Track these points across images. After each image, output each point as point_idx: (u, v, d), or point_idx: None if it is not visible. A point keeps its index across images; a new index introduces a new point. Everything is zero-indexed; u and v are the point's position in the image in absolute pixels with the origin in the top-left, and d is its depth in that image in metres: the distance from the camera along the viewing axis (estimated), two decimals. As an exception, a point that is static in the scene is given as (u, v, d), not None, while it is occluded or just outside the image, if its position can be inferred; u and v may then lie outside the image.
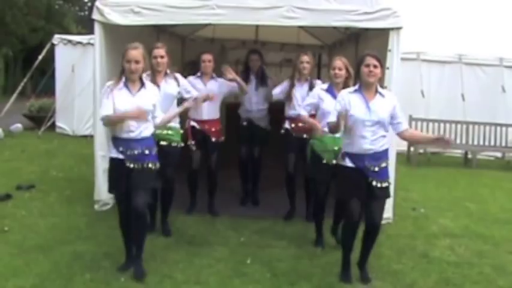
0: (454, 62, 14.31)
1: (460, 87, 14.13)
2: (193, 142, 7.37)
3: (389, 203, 7.33)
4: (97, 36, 7.27)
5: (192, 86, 7.14)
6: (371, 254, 5.60)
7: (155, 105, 5.54)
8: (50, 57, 15.45)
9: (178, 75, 6.81)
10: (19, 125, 15.06)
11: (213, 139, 7.50)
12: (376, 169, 5.27)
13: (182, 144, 6.77)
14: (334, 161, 6.11)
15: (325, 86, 6.46)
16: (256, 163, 8.24)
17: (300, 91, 7.29)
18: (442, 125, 13.38)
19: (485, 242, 7.00)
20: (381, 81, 5.43)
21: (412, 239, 6.96)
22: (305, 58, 7.24)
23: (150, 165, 5.42)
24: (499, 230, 7.54)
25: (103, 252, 5.91)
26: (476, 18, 14.41)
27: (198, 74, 7.53)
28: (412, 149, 12.96)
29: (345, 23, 7.24)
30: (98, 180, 7.36)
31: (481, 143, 13.44)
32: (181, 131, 6.82)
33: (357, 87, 5.37)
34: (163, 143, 6.36)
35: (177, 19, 7.28)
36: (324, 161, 6.29)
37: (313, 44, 12.80)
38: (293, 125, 7.33)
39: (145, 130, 5.43)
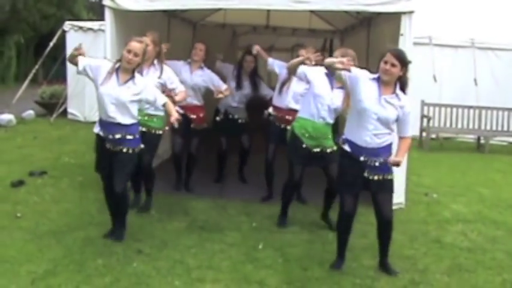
0: (467, 46, 14.18)
1: (472, 72, 14.02)
2: (166, 128, 7.44)
3: (401, 189, 7.33)
4: (108, 22, 7.26)
5: (178, 72, 7.31)
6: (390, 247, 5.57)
7: (146, 97, 5.67)
8: (61, 44, 15.45)
9: (166, 67, 6.81)
10: (31, 112, 15.10)
11: (192, 125, 7.67)
12: (377, 164, 5.19)
13: (161, 132, 6.91)
14: (315, 148, 6.30)
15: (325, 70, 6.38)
16: (246, 151, 8.58)
17: (297, 86, 7.28)
18: (454, 110, 13.30)
19: (498, 228, 6.97)
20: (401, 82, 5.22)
21: (425, 225, 6.94)
22: (302, 52, 7.06)
23: (128, 149, 5.59)
24: (512, 216, 7.50)
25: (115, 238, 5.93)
26: (490, 2, 14.27)
27: (188, 60, 7.67)
28: (424, 134, 12.90)
29: (356, 7, 7.17)
30: (109, 166, 7.39)
31: (494, 128, 13.35)
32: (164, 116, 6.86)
33: (376, 76, 5.20)
34: (143, 129, 6.31)
35: (188, 4, 7.25)
36: (304, 146, 6.30)
37: (324, 29, 12.74)
38: (277, 114, 7.47)
39: (129, 119, 5.59)
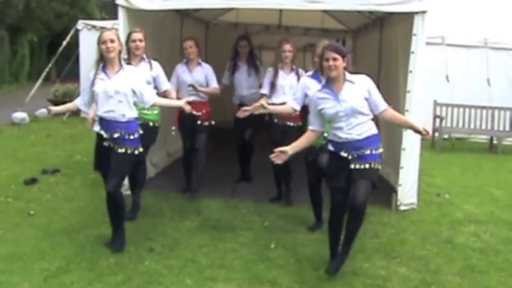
0: (480, 46, 14.08)
1: (485, 72, 13.91)
2: (173, 128, 7.68)
3: (413, 189, 7.32)
4: (121, 22, 7.26)
5: (178, 74, 7.47)
6: (356, 245, 5.44)
7: (137, 87, 5.56)
8: (74, 43, 15.53)
9: (155, 63, 6.77)
10: (44, 110, 15.14)
11: (199, 122, 7.53)
12: (355, 156, 5.10)
13: (157, 125, 6.83)
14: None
15: (310, 72, 6.37)
16: (249, 145, 8.34)
17: (287, 79, 7.23)
18: (467, 110, 13.23)
19: (511, 229, 6.91)
20: (346, 68, 5.14)
21: (437, 225, 6.91)
22: (287, 47, 7.14)
23: (127, 150, 5.50)
24: (525, 217, 7.46)
25: (127, 236, 5.94)
26: (503, 1, 14.19)
27: (184, 60, 7.62)
28: (436, 134, 12.84)
29: (369, 7, 7.16)
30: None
31: (507, 128, 13.25)
32: (157, 111, 6.84)
33: (324, 82, 5.25)
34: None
35: (201, 3, 7.28)
36: (315, 145, 6.28)
37: (337, 28, 12.73)
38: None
39: (127, 111, 5.52)
